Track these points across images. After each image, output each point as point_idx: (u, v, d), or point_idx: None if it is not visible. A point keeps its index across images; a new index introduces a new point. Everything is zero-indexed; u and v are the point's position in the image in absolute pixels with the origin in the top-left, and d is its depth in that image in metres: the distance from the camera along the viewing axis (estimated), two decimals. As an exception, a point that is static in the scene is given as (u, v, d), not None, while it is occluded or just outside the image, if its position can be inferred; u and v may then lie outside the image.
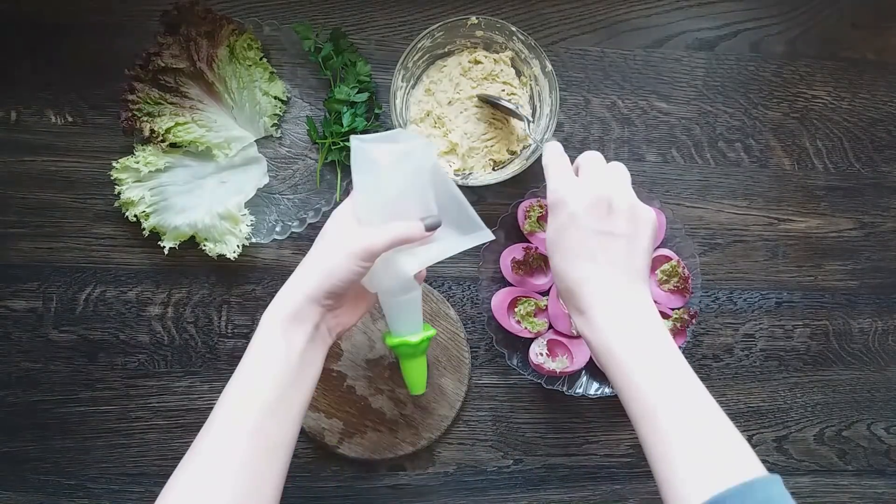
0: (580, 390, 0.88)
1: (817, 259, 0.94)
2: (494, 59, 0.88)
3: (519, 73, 0.89)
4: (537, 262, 0.88)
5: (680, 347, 0.87)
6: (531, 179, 0.90)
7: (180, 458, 0.87)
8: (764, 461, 0.94)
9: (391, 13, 0.90)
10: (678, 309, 0.87)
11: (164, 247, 0.84)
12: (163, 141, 0.83)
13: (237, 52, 0.86)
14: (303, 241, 0.89)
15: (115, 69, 0.86)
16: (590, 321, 0.62)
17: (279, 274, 0.89)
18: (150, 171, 0.84)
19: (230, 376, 0.87)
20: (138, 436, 0.88)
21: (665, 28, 0.92)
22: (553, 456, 0.91)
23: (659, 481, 0.56)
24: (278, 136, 0.89)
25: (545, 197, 0.88)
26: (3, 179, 0.87)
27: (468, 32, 0.86)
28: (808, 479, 0.93)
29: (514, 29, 0.84)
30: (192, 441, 0.88)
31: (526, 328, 0.87)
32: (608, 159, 0.91)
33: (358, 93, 0.87)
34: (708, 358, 0.92)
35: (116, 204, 0.85)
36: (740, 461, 0.54)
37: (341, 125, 0.86)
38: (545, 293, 0.88)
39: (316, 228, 0.88)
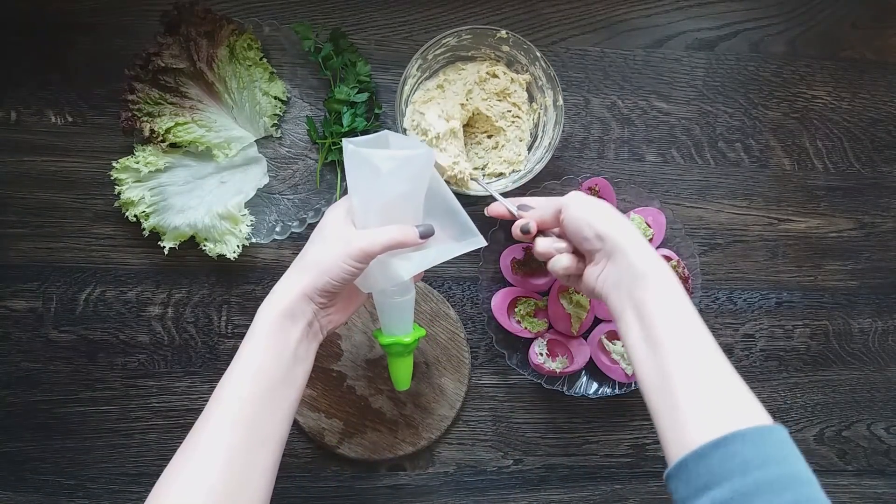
0: (580, 390, 0.88)
1: (817, 259, 0.94)
2: (512, 78, 0.87)
3: (531, 99, 0.88)
4: (537, 262, 0.88)
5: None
6: (531, 179, 0.90)
7: (180, 458, 0.88)
8: (764, 461, 0.94)
9: (391, 13, 0.90)
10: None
11: (164, 247, 0.84)
12: (163, 141, 0.83)
13: (237, 52, 0.86)
14: (302, 241, 0.89)
15: (115, 69, 0.86)
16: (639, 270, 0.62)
17: (279, 274, 0.88)
18: (150, 171, 0.84)
19: (230, 376, 0.88)
20: (138, 436, 0.88)
21: (665, 28, 0.92)
22: (553, 456, 0.91)
23: (661, 428, 0.57)
24: (278, 136, 0.89)
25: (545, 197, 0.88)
26: (3, 179, 0.87)
27: (495, 44, 0.85)
28: (808, 479, 0.93)
29: (538, 54, 0.83)
30: (192, 441, 0.88)
31: (526, 328, 0.87)
32: (608, 159, 0.92)
33: (358, 93, 0.87)
34: (708, 358, 0.92)
35: (116, 204, 0.85)
36: (750, 408, 0.55)
37: (341, 125, 0.86)
38: (545, 293, 0.88)
39: (316, 228, 0.89)
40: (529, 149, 0.88)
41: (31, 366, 0.87)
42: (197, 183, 0.86)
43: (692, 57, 0.93)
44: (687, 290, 0.87)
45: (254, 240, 0.85)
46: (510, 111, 0.87)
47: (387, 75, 0.90)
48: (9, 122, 0.87)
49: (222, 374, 0.88)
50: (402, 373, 0.77)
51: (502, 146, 0.88)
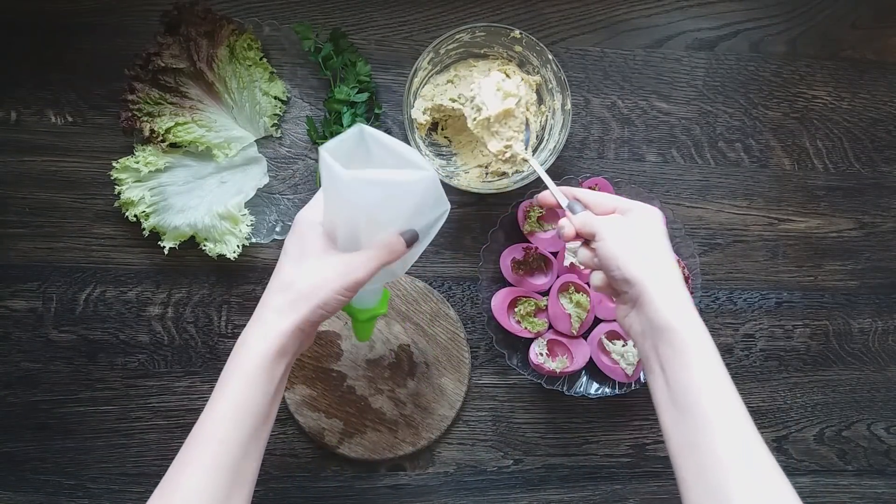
0: (580, 390, 0.88)
1: (817, 259, 0.94)
2: (522, 78, 0.87)
3: (541, 101, 0.88)
4: (537, 262, 0.88)
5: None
6: (532, 181, 0.90)
7: (180, 458, 0.88)
8: (764, 461, 0.93)
9: (391, 13, 0.90)
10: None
11: (164, 247, 0.84)
12: (163, 141, 0.83)
13: (237, 52, 0.86)
14: (303, 241, 0.89)
15: (115, 69, 0.86)
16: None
17: (279, 274, 0.89)
18: (150, 171, 0.84)
19: (230, 376, 0.88)
20: (138, 436, 0.88)
21: (665, 28, 0.92)
22: (553, 456, 0.91)
23: (691, 500, 0.55)
24: (278, 136, 0.89)
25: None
26: (3, 179, 0.87)
27: (508, 43, 0.85)
28: (808, 479, 0.93)
29: (551, 57, 0.83)
30: (192, 441, 0.88)
31: (526, 328, 0.87)
32: (608, 159, 0.92)
33: (358, 93, 0.87)
34: (708, 358, 0.92)
35: (116, 204, 0.85)
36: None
37: (341, 125, 0.86)
38: (545, 293, 0.88)
39: (316, 228, 0.89)
40: (534, 151, 0.88)
41: (31, 366, 0.87)
42: (197, 183, 0.86)
43: (692, 57, 0.93)
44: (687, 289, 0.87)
45: (254, 240, 0.85)
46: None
47: (387, 75, 0.90)
48: (9, 122, 0.87)
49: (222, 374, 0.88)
50: (367, 330, 0.73)
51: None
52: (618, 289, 0.64)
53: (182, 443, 0.88)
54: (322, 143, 0.88)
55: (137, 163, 0.83)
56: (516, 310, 0.87)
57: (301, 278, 0.61)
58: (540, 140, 0.88)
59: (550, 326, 0.88)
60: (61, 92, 0.88)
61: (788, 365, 0.94)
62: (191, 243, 0.85)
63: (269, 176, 0.88)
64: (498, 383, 0.90)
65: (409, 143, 0.86)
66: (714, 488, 0.54)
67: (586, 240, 0.68)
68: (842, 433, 0.94)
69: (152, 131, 0.83)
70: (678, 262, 0.86)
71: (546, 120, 0.88)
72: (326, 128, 0.87)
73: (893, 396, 0.95)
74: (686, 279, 0.86)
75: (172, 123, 0.83)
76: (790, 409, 0.94)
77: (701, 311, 0.91)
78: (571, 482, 0.91)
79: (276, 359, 0.59)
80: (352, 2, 0.90)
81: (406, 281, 0.88)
